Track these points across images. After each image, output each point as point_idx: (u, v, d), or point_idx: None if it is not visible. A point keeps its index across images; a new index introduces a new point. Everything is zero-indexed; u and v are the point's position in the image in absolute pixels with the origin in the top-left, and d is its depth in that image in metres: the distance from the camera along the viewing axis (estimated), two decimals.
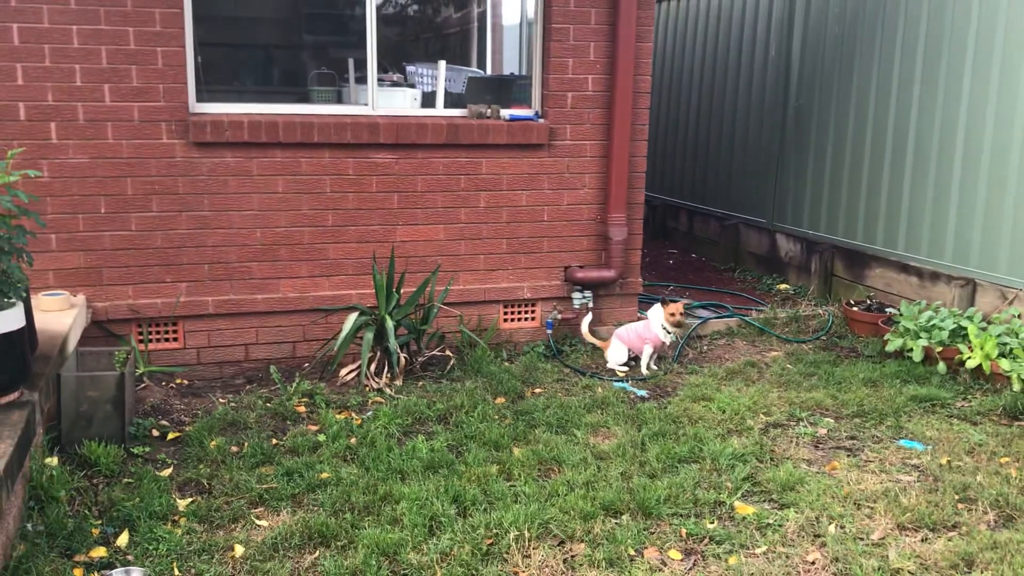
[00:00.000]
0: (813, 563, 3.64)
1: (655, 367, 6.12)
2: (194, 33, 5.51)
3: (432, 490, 4.11)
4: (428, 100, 6.44)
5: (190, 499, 4.08)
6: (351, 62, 6.41)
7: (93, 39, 5.28)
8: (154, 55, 5.38)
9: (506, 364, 6.01)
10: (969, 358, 5.65)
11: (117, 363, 4.85)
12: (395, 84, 6.70)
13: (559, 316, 6.47)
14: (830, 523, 3.92)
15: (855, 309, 6.87)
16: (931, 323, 6.03)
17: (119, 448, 4.43)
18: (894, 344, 6.07)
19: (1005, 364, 5.46)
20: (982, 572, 3.53)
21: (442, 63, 6.52)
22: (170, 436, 4.78)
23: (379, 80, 6.01)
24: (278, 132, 5.66)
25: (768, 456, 4.62)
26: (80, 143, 5.37)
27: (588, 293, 6.53)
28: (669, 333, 6.02)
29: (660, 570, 3.57)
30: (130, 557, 3.57)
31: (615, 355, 6.13)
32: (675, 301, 6.22)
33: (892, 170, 7.12)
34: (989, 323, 6.01)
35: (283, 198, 5.79)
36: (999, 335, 5.70)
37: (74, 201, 5.42)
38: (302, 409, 5.17)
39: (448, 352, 5.92)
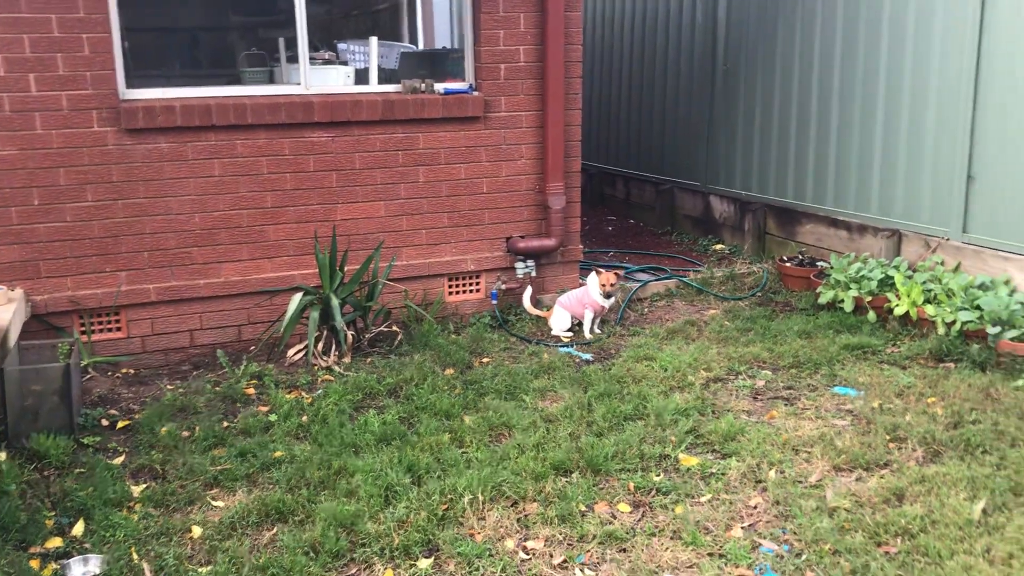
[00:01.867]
0: (755, 507, 3.78)
1: (598, 331, 6.23)
2: (120, 18, 5.40)
3: (386, 461, 4.16)
4: (362, 77, 6.41)
5: (144, 485, 4.07)
6: (282, 42, 6.34)
7: (14, 27, 5.14)
8: (79, 42, 5.27)
9: (453, 336, 6.07)
10: (897, 306, 5.86)
11: (61, 355, 4.79)
12: (327, 62, 6.65)
13: (503, 286, 6.53)
14: (770, 469, 4.08)
15: (788, 265, 7.06)
16: (860, 274, 6.23)
17: (68, 439, 4.39)
18: (826, 296, 6.27)
19: (930, 309, 5.68)
20: (912, 504, 3.71)
21: (373, 39, 6.48)
22: (120, 425, 4.74)
23: (311, 59, 5.96)
24: (211, 115, 5.59)
25: (710, 409, 4.76)
26: (7, 135, 5.24)
27: (531, 262, 6.60)
28: (607, 298, 6.13)
29: (610, 523, 3.68)
30: (87, 545, 3.57)
31: (558, 322, 6.22)
32: (610, 269, 6.32)
33: (819, 129, 7.30)
34: (915, 271, 6.24)
35: (220, 181, 5.73)
36: (924, 282, 5.92)
37: (5, 194, 5.30)
38: (251, 391, 5.17)
39: (395, 327, 5.95)
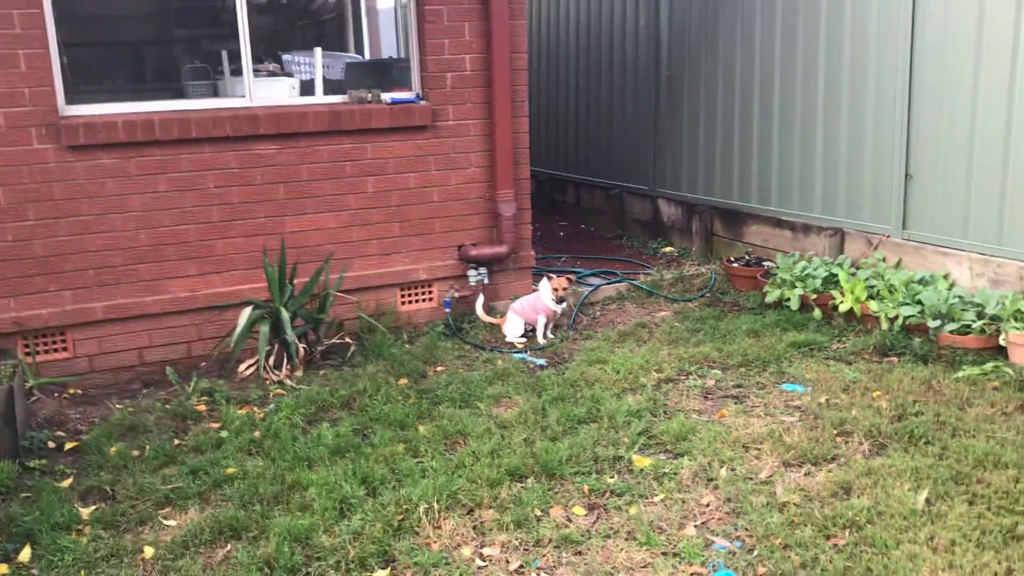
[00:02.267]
0: (707, 505, 3.83)
1: (551, 336, 6.27)
2: (58, 33, 5.31)
3: (340, 474, 4.14)
4: (307, 89, 6.38)
5: (93, 507, 4.00)
6: (225, 54, 6.28)
7: None
8: (16, 58, 5.17)
9: (407, 346, 6.06)
10: (841, 303, 5.98)
11: (4, 378, 4.68)
12: (272, 74, 6.61)
13: (456, 295, 6.53)
14: (721, 467, 4.13)
15: (735, 265, 7.16)
16: (805, 273, 6.35)
17: (13, 463, 4.30)
18: (773, 295, 6.37)
19: (874, 305, 5.81)
20: (859, 496, 3.79)
21: (318, 50, 6.46)
22: (68, 446, 4.65)
23: (255, 71, 5.93)
24: (154, 130, 5.52)
25: (662, 410, 4.82)
26: None
27: (483, 270, 6.61)
28: (559, 303, 6.17)
29: (566, 526, 3.70)
30: (34, 571, 3.50)
31: (512, 328, 6.24)
32: (561, 275, 6.37)
33: (761, 131, 7.43)
34: (858, 269, 6.38)
35: (165, 196, 5.66)
36: (867, 279, 6.06)
37: None
38: (202, 408, 5.11)
39: (348, 339, 5.92)
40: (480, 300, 6.45)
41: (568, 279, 6.26)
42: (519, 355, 5.89)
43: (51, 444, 4.68)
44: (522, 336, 6.24)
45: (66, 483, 4.22)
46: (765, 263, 7.07)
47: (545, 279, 6.22)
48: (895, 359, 5.38)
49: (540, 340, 6.17)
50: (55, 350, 5.55)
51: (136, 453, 4.52)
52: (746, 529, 3.63)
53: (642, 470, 4.15)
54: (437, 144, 6.33)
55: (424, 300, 6.54)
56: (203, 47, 7.19)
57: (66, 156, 5.38)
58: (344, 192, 6.13)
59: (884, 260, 6.36)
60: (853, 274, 6.22)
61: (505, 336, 6.25)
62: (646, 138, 8.84)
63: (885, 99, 6.32)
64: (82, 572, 3.46)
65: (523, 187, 6.66)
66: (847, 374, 5.17)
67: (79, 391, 5.48)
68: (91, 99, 5.58)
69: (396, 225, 6.32)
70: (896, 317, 5.63)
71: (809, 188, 7.04)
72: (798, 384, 5.12)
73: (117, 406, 5.19)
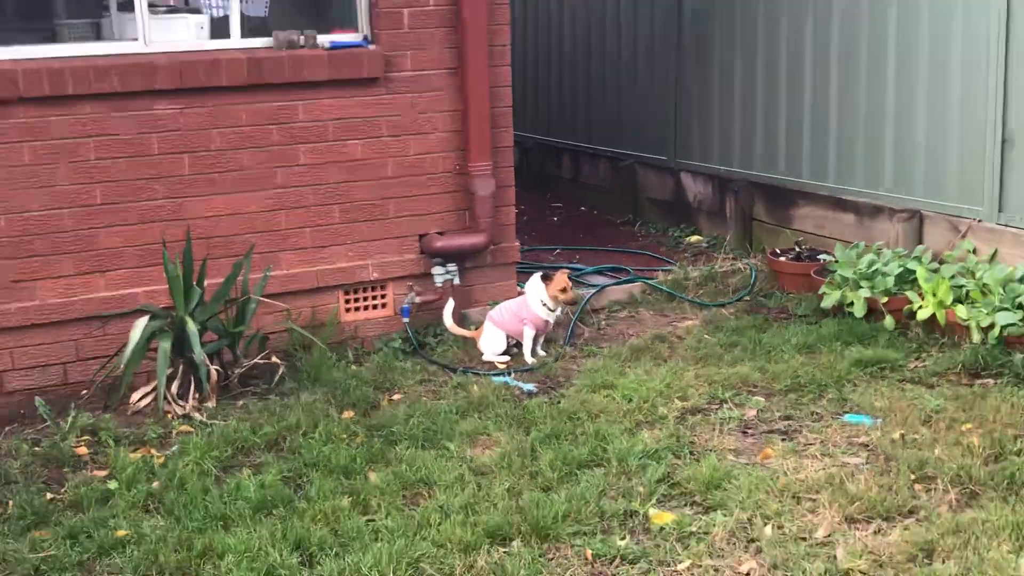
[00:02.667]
0: (748, 574, 3.85)
1: (542, 353, 6.28)
2: None
3: (266, 536, 4.13)
4: (220, 30, 6.35)
5: None
6: None
7: None
8: None
9: (353, 367, 6.05)
10: (920, 308, 6.02)
11: None
12: (173, 10, 6.58)
13: (417, 299, 6.53)
14: (765, 524, 4.15)
15: (782, 259, 7.19)
16: (873, 269, 6.38)
17: None
18: (831, 299, 6.41)
19: (962, 311, 5.85)
20: (944, 561, 3.82)
21: None
22: None
23: (151, 6, 5.91)
24: (17, 85, 5.50)
25: (687, 450, 4.83)
26: None
27: (453, 266, 6.62)
28: (553, 310, 6.16)
29: None
30: None
31: (490, 344, 6.25)
32: (559, 270, 6.37)
33: (815, 85, 7.46)
34: (941, 263, 6.42)
35: (31, 171, 5.64)
36: (953, 277, 6.09)
37: None
38: (84, 451, 5.10)
39: (275, 358, 5.90)
40: (450, 306, 6.45)
41: (567, 274, 6.25)
42: (500, 379, 5.90)
43: None
44: (504, 354, 6.24)
45: None
46: (821, 256, 7.11)
47: (536, 278, 6.23)
48: (990, 381, 5.42)
49: (528, 359, 6.18)
50: None
51: None
52: None
53: (662, 529, 4.16)
54: (390, 101, 6.33)
55: (375, 306, 6.54)
56: None
57: None
58: (268, 165, 6.12)
59: (975, 252, 6.40)
60: (935, 270, 6.26)
61: (482, 354, 6.25)
62: (665, 94, 8.87)
63: (976, 39, 6.36)
64: None
65: (504, 157, 6.68)
66: (928, 401, 5.20)
67: None
68: None
69: (337, 208, 6.32)
70: (991, 326, 5.67)
71: (877, 158, 7.08)
72: (865, 415, 5.14)
73: None
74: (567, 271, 6.46)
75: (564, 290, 6.11)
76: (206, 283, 5.77)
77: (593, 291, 7.06)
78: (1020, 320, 5.62)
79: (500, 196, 6.67)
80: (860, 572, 3.79)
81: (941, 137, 6.66)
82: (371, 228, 6.43)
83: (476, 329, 6.42)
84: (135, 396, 5.61)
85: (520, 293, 6.55)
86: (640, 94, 9.18)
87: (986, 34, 6.29)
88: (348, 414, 5.40)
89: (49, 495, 4.64)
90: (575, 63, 10.07)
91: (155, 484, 4.68)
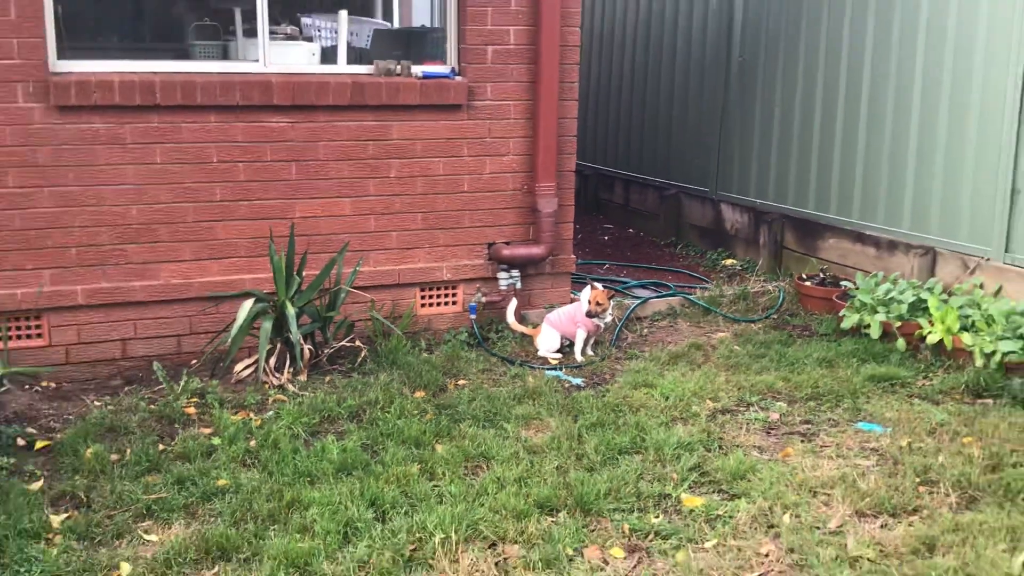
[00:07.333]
0: (767, 555, 3.81)
1: (591, 353, 6.26)
2: None
3: (346, 493, 4.17)
4: (329, 56, 6.44)
5: (66, 514, 4.05)
6: (238, 13, 6.36)
7: None
8: (6, 5, 5.27)
9: (425, 354, 6.08)
10: (930, 333, 5.93)
11: None
12: (289, 38, 6.68)
13: (483, 299, 6.55)
14: (784, 512, 4.11)
15: (808, 284, 7.13)
16: (889, 296, 6.31)
17: None
18: (850, 320, 6.34)
19: (967, 338, 5.75)
20: (944, 555, 3.75)
21: (343, 13, 6.51)
22: (39, 445, 4.72)
23: (271, 33, 5.99)
24: (155, 94, 5.60)
25: (716, 444, 4.80)
26: None
27: (515, 273, 6.63)
28: (594, 316, 6.15)
29: (602, 569, 3.69)
30: None
31: (546, 342, 6.25)
32: (602, 285, 6.36)
33: (845, 131, 7.40)
34: (951, 295, 6.32)
35: (163, 169, 5.74)
36: (961, 307, 6.00)
37: None
38: (192, 411, 5.16)
39: (359, 342, 5.95)
40: (512, 306, 6.46)
41: (608, 293, 6.24)
42: (553, 372, 5.90)
43: (21, 441, 4.74)
44: (557, 352, 6.24)
45: (36, 486, 4.28)
46: (843, 283, 7.03)
47: (588, 287, 6.22)
48: (990, 401, 5.33)
49: (578, 357, 6.17)
50: (29, 336, 5.63)
51: (115, 457, 4.58)
52: None
53: (692, 511, 4.14)
54: (471, 126, 6.37)
55: (447, 303, 6.57)
56: (213, 4, 7.28)
57: (54, 117, 5.46)
58: (363, 175, 6.17)
59: (982, 287, 6.30)
60: (945, 301, 6.17)
61: (538, 350, 6.26)
62: (710, 133, 8.83)
63: (992, 100, 6.28)
64: None
65: (567, 180, 6.69)
66: (934, 415, 5.13)
67: (53, 384, 5.56)
68: (85, 55, 5.66)
69: (419, 216, 6.36)
70: (993, 353, 5.58)
71: (897, 199, 6.99)
72: (876, 424, 5.08)
73: (96, 403, 5.26)
74: (610, 290, 6.40)
75: (599, 303, 6.10)
76: (304, 274, 5.83)
77: (638, 302, 7.04)
78: (1019, 348, 5.52)
79: (561, 214, 6.67)
80: (868, 560, 3.74)
81: (956, 182, 6.56)
82: (447, 235, 6.46)
83: (534, 328, 6.42)
84: (238, 367, 5.68)
85: (574, 299, 6.55)
86: (687, 132, 9.15)
87: (1003, 90, 6.19)
88: (419, 394, 5.44)
89: (161, 447, 4.72)
90: (632, 102, 10.06)
91: (252, 443, 4.74)
